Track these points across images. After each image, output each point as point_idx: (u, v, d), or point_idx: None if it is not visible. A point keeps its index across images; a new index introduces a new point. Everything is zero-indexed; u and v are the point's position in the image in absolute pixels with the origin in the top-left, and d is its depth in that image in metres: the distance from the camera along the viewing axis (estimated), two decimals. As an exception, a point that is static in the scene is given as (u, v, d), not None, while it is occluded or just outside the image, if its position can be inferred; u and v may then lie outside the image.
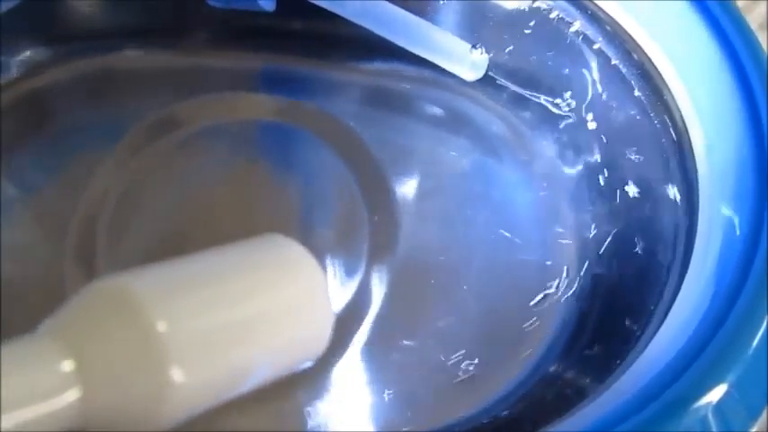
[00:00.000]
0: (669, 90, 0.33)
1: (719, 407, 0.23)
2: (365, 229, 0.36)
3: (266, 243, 0.29)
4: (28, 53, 0.39)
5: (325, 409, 0.31)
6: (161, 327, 0.23)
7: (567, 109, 0.38)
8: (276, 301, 0.27)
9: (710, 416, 0.23)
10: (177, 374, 0.23)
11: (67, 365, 0.22)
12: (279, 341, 0.26)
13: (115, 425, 0.23)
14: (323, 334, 0.28)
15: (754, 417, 0.24)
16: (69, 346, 0.22)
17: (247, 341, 0.25)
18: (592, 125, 0.38)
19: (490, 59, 0.38)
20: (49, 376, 0.22)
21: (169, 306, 0.24)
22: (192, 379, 0.23)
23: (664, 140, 0.34)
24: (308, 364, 0.29)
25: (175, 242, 0.34)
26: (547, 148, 0.39)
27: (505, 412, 0.32)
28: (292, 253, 0.28)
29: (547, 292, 0.35)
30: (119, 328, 0.23)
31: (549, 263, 0.36)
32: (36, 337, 0.23)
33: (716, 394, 0.24)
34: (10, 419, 0.20)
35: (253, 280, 0.27)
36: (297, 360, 0.28)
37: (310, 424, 0.31)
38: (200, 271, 0.26)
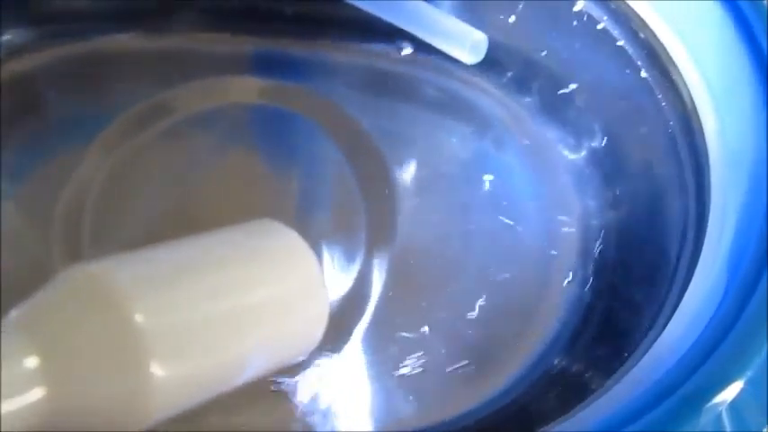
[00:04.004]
0: (678, 70, 0.32)
1: (735, 405, 0.23)
2: (363, 217, 0.35)
3: (258, 229, 0.27)
4: (9, 36, 0.37)
5: (325, 402, 0.31)
6: (139, 318, 0.21)
7: (569, 92, 0.37)
8: (267, 292, 0.25)
9: (725, 414, 0.22)
10: (157, 369, 0.21)
11: (31, 362, 0.20)
12: (269, 334, 0.25)
13: (90, 425, 0.21)
14: (317, 327, 0.27)
15: (770, 413, 0.23)
16: (35, 341, 0.21)
17: (235, 333, 0.24)
18: (596, 109, 0.37)
19: (490, 42, 0.37)
20: (11, 374, 0.20)
21: (149, 296, 0.22)
22: (174, 373, 0.22)
23: (672, 123, 0.33)
24: (301, 358, 0.28)
25: (165, 230, 0.33)
26: (549, 133, 0.38)
27: (508, 406, 0.31)
28: (286, 240, 0.27)
29: (550, 281, 0.34)
30: (92, 321, 0.21)
31: (553, 252, 0.35)
32: None
33: (731, 392, 0.23)
34: None
35: (243, 268, 0.25)
36: (288, 355, 0.27)
37: (310, 418, 0.30)
38: (186, 258, 0.25)
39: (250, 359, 0.25)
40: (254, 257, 0.26)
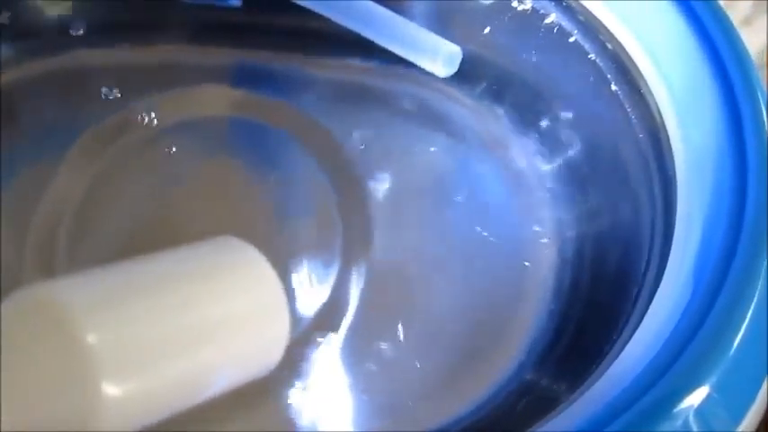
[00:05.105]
0: (647, 84, 0.33)
1: (701, 410, 0.23)
2: (339, 229, 0.35)
3: (218, 246, 0.27)
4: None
5: (301, 417, 0.31)
6: (90, 336, 0.21)
7: (542, 104, 0.38)
8: (225, 308, 0.25)
9: (692, 420, 0.23)
10: (110, 388, 0.21)
11: None
12: (228, 351, 0.25)
13: None
14: (278, 343, 0.27)
15: (737, 420, 0.23)
16: None
17: (192, 351, 0.24)
18: (569, 121, 0.37)
19: (464, 54, 0.37)
20: None
21: (101, 314, 0.22)
22: (128, 392, 0.22)
23: (641, 135, 0.33)
24: (262, 374, 0.28)
25: (141, 244, 0.33)
26: (523, 144, 0.38)
27: (482, 419, 0.31)
28: (246, 257, 0.27)
29: (525, 293, 0.34)
30: (42, 340, 0.21)
31: (527, 263, 0.35)
32: None
33: (697, 397, 0.23)
34: None
35: (200, 285, 0.25)
36: (249, 372, 0.27)
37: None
38: (141, 276, 0.24)
39: (208, 377, 0.25)
40: (213, 274, 0.26)
